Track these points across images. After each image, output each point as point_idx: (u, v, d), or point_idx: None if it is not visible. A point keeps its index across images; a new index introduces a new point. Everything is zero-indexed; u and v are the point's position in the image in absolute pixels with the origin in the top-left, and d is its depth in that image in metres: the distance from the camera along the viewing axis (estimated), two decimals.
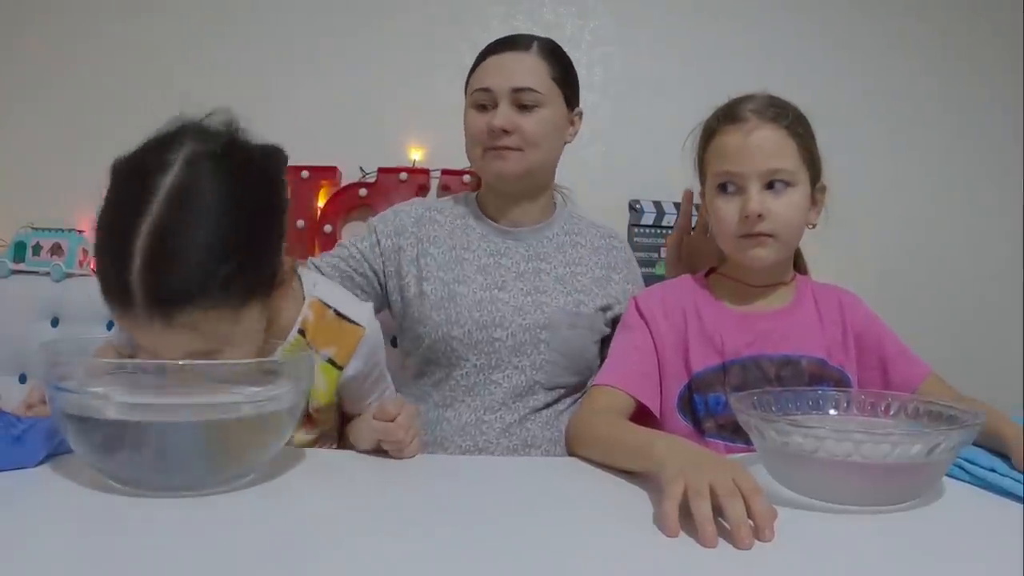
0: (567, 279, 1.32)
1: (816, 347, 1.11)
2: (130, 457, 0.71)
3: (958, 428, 0.75)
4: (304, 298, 1.00)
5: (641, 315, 1.15)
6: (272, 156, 0.89)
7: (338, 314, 1.02)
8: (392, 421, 0.90)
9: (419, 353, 1.31)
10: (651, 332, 1.14)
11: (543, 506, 0.80)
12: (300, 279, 1.01)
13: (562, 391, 1.30)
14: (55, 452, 0.80)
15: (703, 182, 1.16)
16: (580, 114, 1.38)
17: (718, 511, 0.67)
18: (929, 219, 2.27)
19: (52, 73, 2.15)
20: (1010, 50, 2.28)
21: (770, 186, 1.06)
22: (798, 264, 1.24)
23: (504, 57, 1.28)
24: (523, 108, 1.26)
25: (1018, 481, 0.82)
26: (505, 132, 1.25)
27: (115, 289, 0.74)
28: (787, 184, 1.06)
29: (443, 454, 1.21)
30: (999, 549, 0.69)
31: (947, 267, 2.27)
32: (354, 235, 1.39)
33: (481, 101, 1.28)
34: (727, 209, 1.09)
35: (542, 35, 1.34)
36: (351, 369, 1.03)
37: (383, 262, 1.34)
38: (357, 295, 1.28)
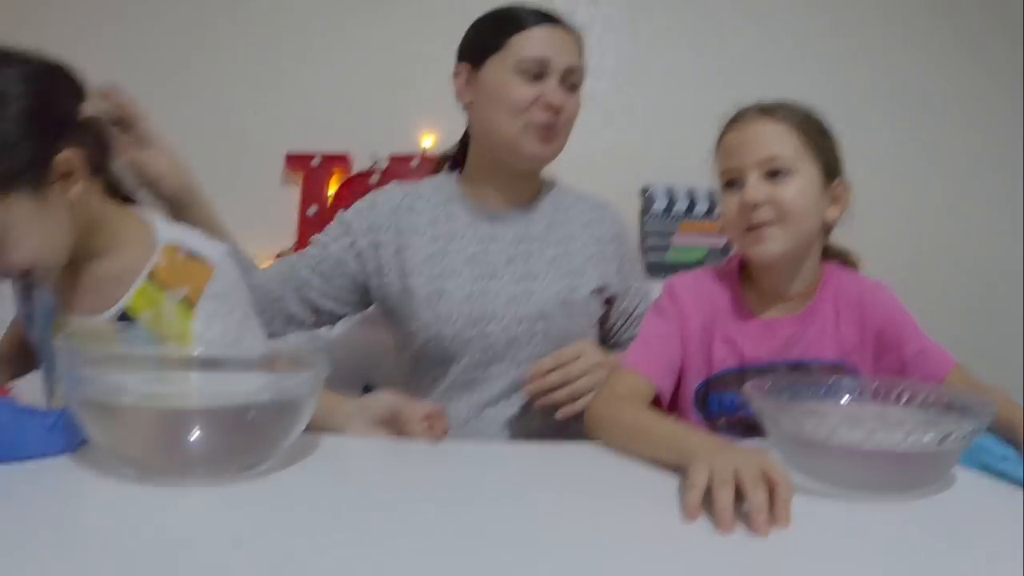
0: (559, 260, 1.28)
1: (831, 350, 1.10)
2: (148, 444, 0.73)
3: (970, 418, 0.75)
4: (156, 244, 0.99)
5: (675, 302, 1.15)
6: (50, 70, 0.94)
7: (189, 254, 1.01)
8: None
9: (412, 349, 1.28)
10: (680, 323, 1.13)
11: (557, 491, 0.81)
12: (151, 228, 1.01)
13: None
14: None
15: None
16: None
17: (742, 498, 0.68)
18: (932, 211, 2.27)
19: (66, 57, 2.16)
20: (1014, 43, 2.27)
21: (772, 176, 1.06)
22: (844, 259, 1.20)
23: (558, 31, 1.23)
24: (571, 88, 1.25)
25: None
26: (556, 111, 1.21)
27: None
28: (788, 172, 1.05)
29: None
30: (1008, 537, 0.69)
31: (951, 259, 2.27)
32: (327, 231, 1.31)
33: (535, 71, 1.21)
34: (729, 203, 1.08)
35: None
36: (203, 311, 0.99)
37: (361, 263, 1.28)
38: (343, 298, 1.28)
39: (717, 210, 1.15)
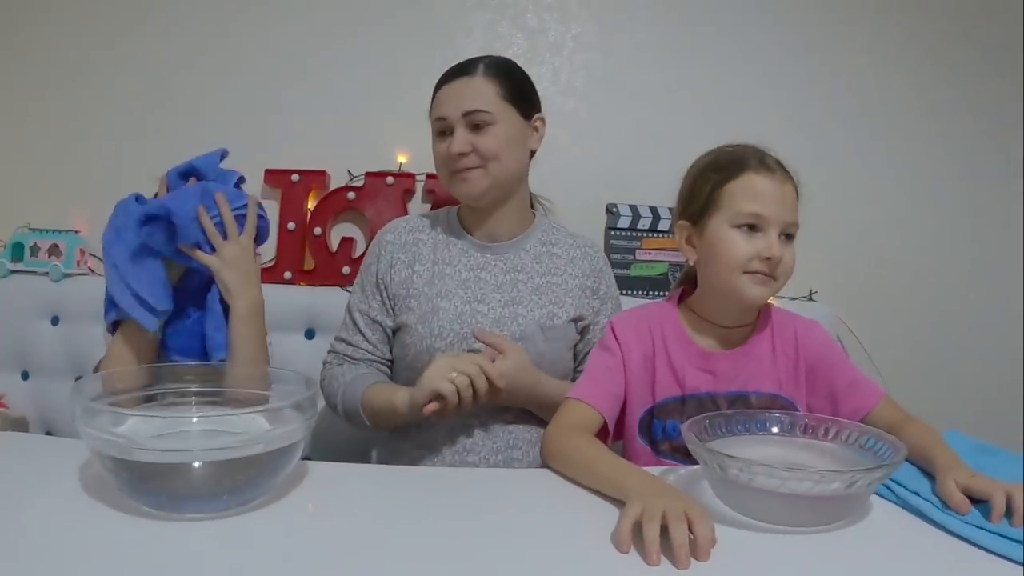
0: (543, 289, 1.41)
1: (767, 383, 1.20)
2: (154, 488, 0.82)
3: (876, 468, 0.85)
4: None
5: (617, 339, 1.25)
6: None
7: None
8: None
9: (405, 362, 1.41)
10: (624, 358, 1.23)
11: (519, 519, 0.91)
12: None
13: None
14: None
15: (703, 213, 1.20)
16: (542, 119, 1.46)
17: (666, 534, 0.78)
18: (902, 225, 2.33)
19: (52, 74, 2.19)
20: (982, 55, 2.33)
21: (783, 236, 1.16)
22: None
23: (454, 85, 1.38)
24: (476, 128, 1.35)
25: (936, 506, 0.91)
26: (463, 155, 1.35)
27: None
28: (793, 237, 1.17)
29: (433, 456, 1.35)
30: (914, 569, 0.80)
31: (920, 273, 2.34)
32: (361, 298, 1.47)
33: (441, 129, 1.38)
34: (747, 246, 1.15)
35: (499, 52, 1.58)
36: None
37: (393, 307, 1.44)
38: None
39: (718, 244, 1.20)
